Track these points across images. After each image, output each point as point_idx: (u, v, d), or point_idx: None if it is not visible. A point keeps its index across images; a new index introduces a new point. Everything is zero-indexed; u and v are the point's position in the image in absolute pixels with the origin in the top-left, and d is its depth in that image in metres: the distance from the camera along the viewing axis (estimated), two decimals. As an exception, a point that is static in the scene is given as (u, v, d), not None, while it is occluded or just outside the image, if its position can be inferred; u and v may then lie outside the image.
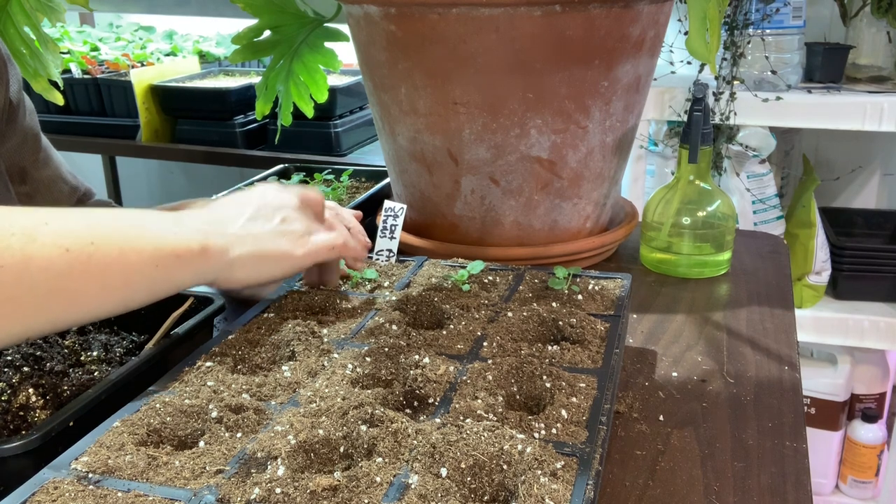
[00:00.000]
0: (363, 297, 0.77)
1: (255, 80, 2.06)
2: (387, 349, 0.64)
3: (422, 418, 0.57)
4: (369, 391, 0.59)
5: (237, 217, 0.68)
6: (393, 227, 0.86)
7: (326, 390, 0.59)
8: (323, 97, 1.09)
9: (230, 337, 0.68)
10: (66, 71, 2.01)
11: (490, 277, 0.80)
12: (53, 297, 0.54)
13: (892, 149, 1.94)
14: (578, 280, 0.79)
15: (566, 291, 0.76)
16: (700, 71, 1.67)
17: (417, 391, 0.59)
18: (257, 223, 0.69)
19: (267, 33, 1.05)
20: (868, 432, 1.89)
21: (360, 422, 0.54)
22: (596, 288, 0.77)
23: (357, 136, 1.96)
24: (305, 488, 0.48)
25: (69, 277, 0.55)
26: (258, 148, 1.99)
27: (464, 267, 0.81)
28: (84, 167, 2.53)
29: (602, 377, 0.61)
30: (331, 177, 1.20)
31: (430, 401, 0.59)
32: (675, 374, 0.77)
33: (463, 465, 0.50)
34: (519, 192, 0.94)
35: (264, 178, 1.20)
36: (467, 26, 0.83)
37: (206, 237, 0.64)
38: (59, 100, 1.06)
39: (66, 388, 0.67)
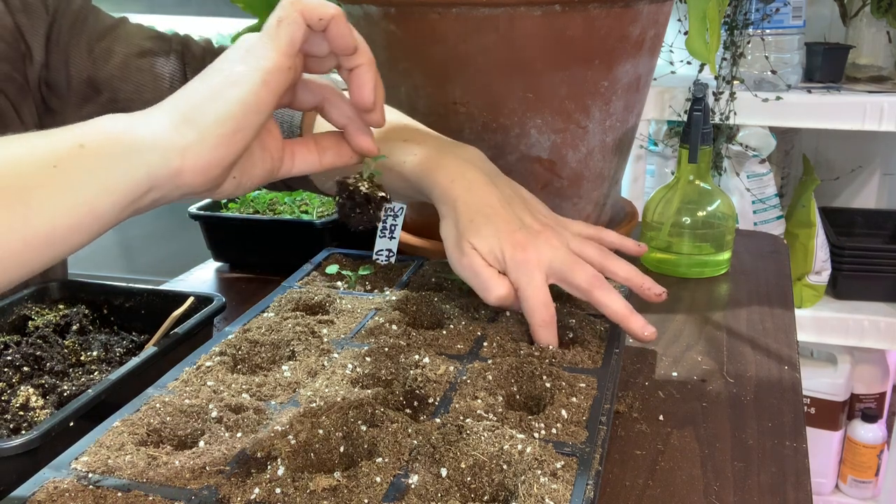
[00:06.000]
0: (363, 297, 0.77)
1: (255, 80, 2.05)
2: (387, 349, 0.64)
3: (422, 418, 0.57)
4: (369, 391, 0.59)
5: None
6: (393, 227, 0.86)
7: (326, 390, 0.59)
8: (323, 97, 1.09)
9: (230, 337, 0.68)
10: (66, 71, 2.01)
11: (490, 277, 0.80)
12: None
13: (892, 149, 1.94)
14: (578, 280, 0.79)
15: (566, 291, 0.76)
16: (700, 71, 1.67)
17: (417, 391, 0.59)
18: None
19: (267, 33, 1.05)
20: (868, 432, 1.89)
21: (360, 422, 0.54)
22: (596, 288, 0.77)
23: (357, 135, 1.96)
24: (305, 488, 0.48)
25: None
26: (258, 148, 1.98)
27: (464, 267, 0.81)
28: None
29: (602, 377, 0.61)
30: (331, 177, 1.20)
31: (430, 401, 0.59)
32: (675, 373, 0.77)
33: (463, 465, 0.50)
34: (519, 192, 0.94)
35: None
36: (467, 26, 0.83)
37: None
38: (59, 100, 1.06)
39: (66, 388, 0.67)
